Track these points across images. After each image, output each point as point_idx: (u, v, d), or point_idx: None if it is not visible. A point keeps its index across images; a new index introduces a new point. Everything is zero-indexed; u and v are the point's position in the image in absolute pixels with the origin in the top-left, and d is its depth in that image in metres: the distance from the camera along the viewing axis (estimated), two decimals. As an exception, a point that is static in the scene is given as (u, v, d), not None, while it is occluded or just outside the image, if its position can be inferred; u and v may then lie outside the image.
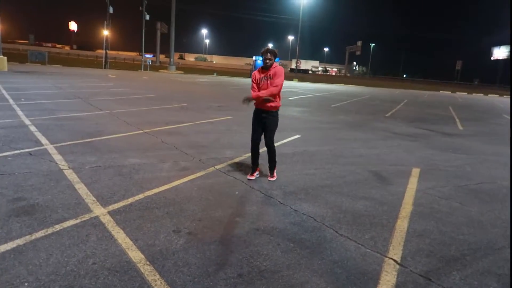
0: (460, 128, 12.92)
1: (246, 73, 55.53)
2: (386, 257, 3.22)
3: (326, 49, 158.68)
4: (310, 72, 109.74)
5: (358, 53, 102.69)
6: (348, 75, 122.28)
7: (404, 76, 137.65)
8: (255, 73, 4.95)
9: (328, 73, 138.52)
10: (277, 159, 5.09)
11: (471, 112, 20.59)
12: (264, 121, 4.92)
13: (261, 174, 5.23)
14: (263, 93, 4.77)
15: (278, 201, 4.37)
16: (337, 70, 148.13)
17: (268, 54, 4.75)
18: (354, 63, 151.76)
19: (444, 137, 10.33)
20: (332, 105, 17.98)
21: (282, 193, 4.64)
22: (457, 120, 15.43)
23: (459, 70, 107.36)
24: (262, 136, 5.03)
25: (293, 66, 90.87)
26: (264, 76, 4.84)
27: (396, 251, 3.34)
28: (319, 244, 3.38)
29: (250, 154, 5.11)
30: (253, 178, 5.07)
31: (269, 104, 4.81)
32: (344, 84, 51.31)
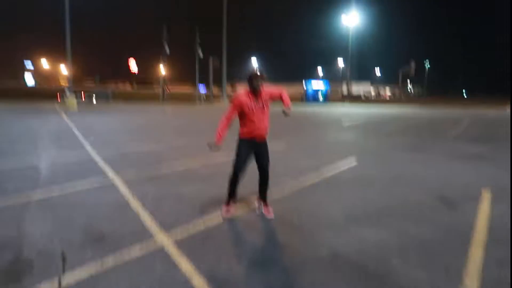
0: (534, 146, 11.90)
1: (298, 99, 55.78)
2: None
3: (377, 69, 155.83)
4: (362, 98, 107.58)
5: (411, 74, 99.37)
6: (402, 97, 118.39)
7: (464, 91, 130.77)
8: (244, 98, 4.36)
9: (382, 97, 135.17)
10: (337, 185, 4.97)
11: (545, 129, 18.95)
12: (261, 150, 4.54)
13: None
14: (289, 103, 4.44)
15: (340, 228, 4.25)
16: (391, 95, 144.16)
17: (260, 80, 4.28)
18: (408, 81, 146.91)
19: (515, 157, 9.56)
20: (389, 129, 17.44)
21: (343, 219, 4.51)
22: (529, 138, 14.26)
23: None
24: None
25: (344, 88, 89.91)
26: (255, 104, 4.36)
27: (472, 282, 3.08)
28: (386, 274, 3.21)
29: (305, 181, 4.87)
30: (229, 214, 4.67)
31: (263, 135, 4.48)
32: (399, 106, 49.73)
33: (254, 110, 4.37)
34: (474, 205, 5.15)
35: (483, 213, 4.82)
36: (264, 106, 4.42)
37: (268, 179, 4.70)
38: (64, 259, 3.33)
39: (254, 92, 4.35)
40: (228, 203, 4.73)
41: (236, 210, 4.77)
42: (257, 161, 4.61)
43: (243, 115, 4.42)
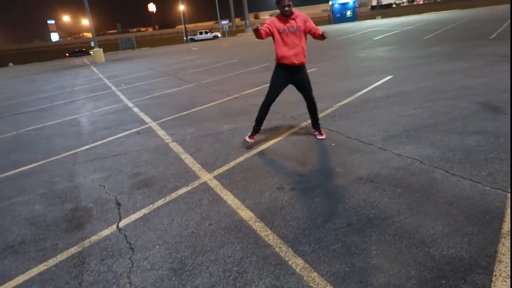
0: None
1: (325, 21, 53.17)
2: (510, 193, 2.93)
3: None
4: (393, 5, 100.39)
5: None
6: (439, 0, 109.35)
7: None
8: (275, 21, 4.30)
9: (415, 3, 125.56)
10: (371, 104, 4.86)
11: None
12: (300, 78, 4.47)
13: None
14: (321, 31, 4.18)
15: (378, 147, 4.21)
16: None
17: (286, 0, 4.13)
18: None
19: None
20: (424, 37, 16.40)
21: (381, 139, 4.45)
22: None
23: None
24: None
25: (374, 3, 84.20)
26: (287, 27, 4.24)
27: (521, 186, 3.02)
28: (429, 186, 3.20)
29: (337, 104, 4.83)
30: (253, 140, 4.77)
31: (300, 59, 4.31)
32: (436, 11, 46.18)
33: (287, 33, 4.27)
34: (522, 108, 4.89)
35: (532, 115, 4.58)
36: (299, 30, 4.27)
37: (315, 106, 4.69)
38: (118, 205, 3.57)
39: (284, 14, 4.24)
40: (254, 131, 4.78)
41: (269, 139, 4.80)
42: (300, 91, 4.59)
43: (276, 39, 4.32)
